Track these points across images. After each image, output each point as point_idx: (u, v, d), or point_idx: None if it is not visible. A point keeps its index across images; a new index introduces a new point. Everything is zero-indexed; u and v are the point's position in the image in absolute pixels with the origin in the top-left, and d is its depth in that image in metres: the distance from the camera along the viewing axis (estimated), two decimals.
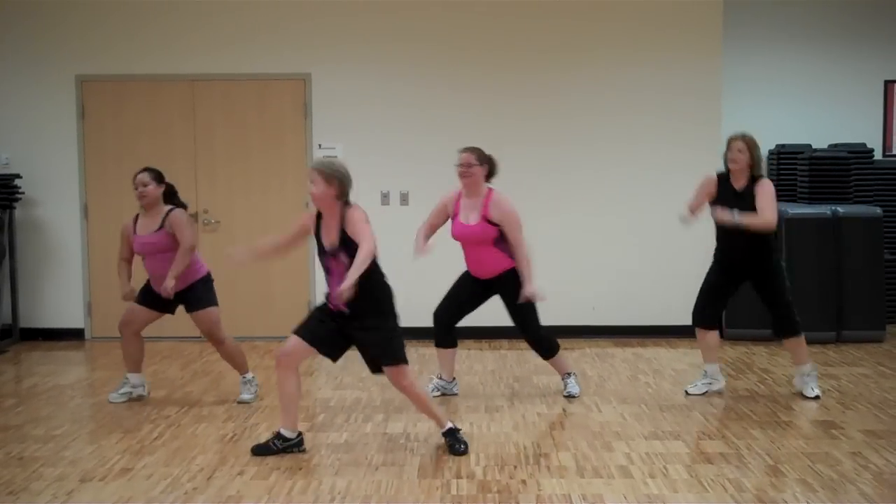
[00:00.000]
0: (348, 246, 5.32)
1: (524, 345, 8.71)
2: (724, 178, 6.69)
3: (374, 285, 5.42)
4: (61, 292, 9.20)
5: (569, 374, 7.05)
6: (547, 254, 9.06)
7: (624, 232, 9.06)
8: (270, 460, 5.45)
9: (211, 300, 6.78)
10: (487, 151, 6.65)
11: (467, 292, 6.82)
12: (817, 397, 6.77)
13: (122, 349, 6.91)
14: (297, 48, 9.01)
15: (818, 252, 8.75)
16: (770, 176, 9.93)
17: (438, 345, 6.92)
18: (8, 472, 5.29)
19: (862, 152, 9.56)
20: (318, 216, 5.49)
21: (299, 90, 9.05)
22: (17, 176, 8.98)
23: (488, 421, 6.29)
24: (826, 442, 5.75)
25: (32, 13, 8.99)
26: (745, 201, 6.52)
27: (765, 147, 9.88)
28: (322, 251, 5.47)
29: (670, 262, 8.85)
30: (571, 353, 8.39)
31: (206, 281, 6.83)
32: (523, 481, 5.10)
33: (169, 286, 6.50)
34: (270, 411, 6.48)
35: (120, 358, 7.16)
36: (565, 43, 9.00)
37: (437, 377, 7.00)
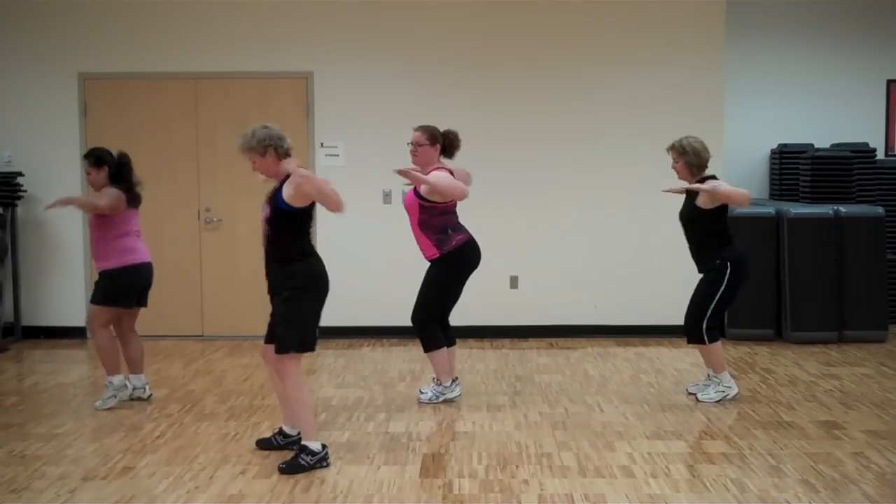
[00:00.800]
0: (274, 198, 5.24)
1: (526, 344, 8.77)
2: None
3: (299, 260, 5.29)
4: (63, 290, 9.19)
5: (438, 381, 6.78)
6: (549, 253, 9.09)
7: (626, 231, 9.05)
8: (272, 459, 5.46)
9: (109, 298, 6.54)
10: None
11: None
12: (698, 400, 6.74)
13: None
14: (300, 46, 9.00)
15: (820, 252, 8.74)
16: (772, 175, 9.96)
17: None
18: (10, 471, 5.29)
19: (864, 152, 9.54)
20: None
21: (301, 88, 9.05)
22: (20, 174, 8.97)
23: (490, 420, 6.28)
24: (828, 442, 5.75)
25: (35, 11, 8.99)
26: (688, 199, 6.69)
27: (767, 146, 9.97)
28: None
29: (672, 262, 8.81)
30: (573, 353, 8.40)
31: (125, 274, 6.57)
32: (525, 481, 5.10)
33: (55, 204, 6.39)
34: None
35: (121, 356, 7.08)
36: (568, 40, 8.99)
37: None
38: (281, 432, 5.68)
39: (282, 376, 5.35)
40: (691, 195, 6.64)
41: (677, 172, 6.70)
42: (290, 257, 5.30)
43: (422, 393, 6.78)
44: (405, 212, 6.70)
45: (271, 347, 5.38)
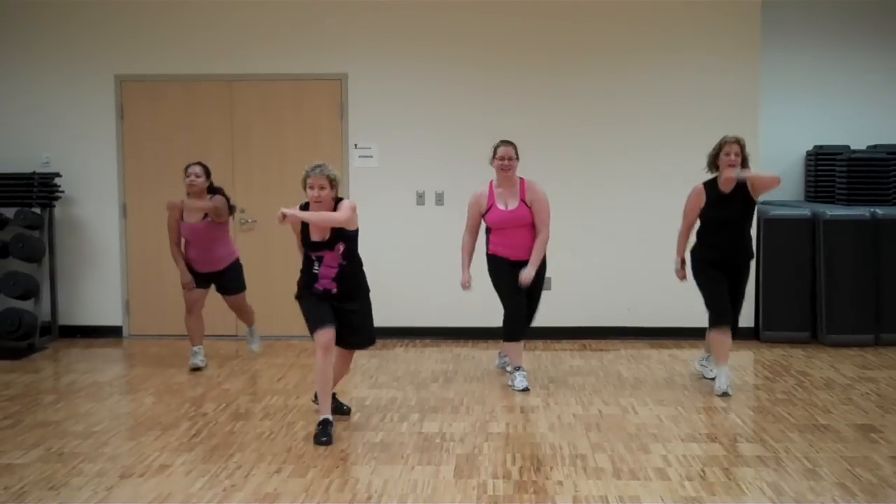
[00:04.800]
0: (343, 235, 5.95)
1: (559, 345, 8.75)
2: (710, 185, 6.95)
3: (359, 269, 6.14)
4: (100, 290, 9.28)
5: (520, 367, 7.31)
6: (582, 255, 9.06)
7: (660, 233, 8.96)
8: (307, 458, 5.49)
9: (243, 284, 8.04)
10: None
11: (515, 279, 7.14)
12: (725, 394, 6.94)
13: (191, 327, 7.92)
14: (334, 48, 9.04)
15: (856, 254, 8.67)
16: (808, 177, 9.88)
17: (520, 337, 7.24)
18: (49, 468, 5.35)
19: None
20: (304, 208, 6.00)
21: (335, 90, 9.08)
22: (57, 175, 9.07)
23: (524, 421, 6.28)
24: (865, 445, 5.70)
25: (72, 14, 9.08)
26: (734, 201, 6.85)
27: (802, 148, 9.89)
28: (312, 244, 6.00)
29: None
30: (606, 354, 8.38)
31: (240, 265, 8.01)
32: (560, 482, 5.09)
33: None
34: (307, 410, 6.52)
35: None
36: (602, 46, 8.96)
37: (517, 369, 7.24)
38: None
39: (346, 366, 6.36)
40: (733, 199, 6.84)
41: (730, 168, 6.77)
42: (355, 269, 6.20)
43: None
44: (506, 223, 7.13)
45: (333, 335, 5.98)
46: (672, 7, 8.93)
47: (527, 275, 7.03)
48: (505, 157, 7.04)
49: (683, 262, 7.23)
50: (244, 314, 8.22)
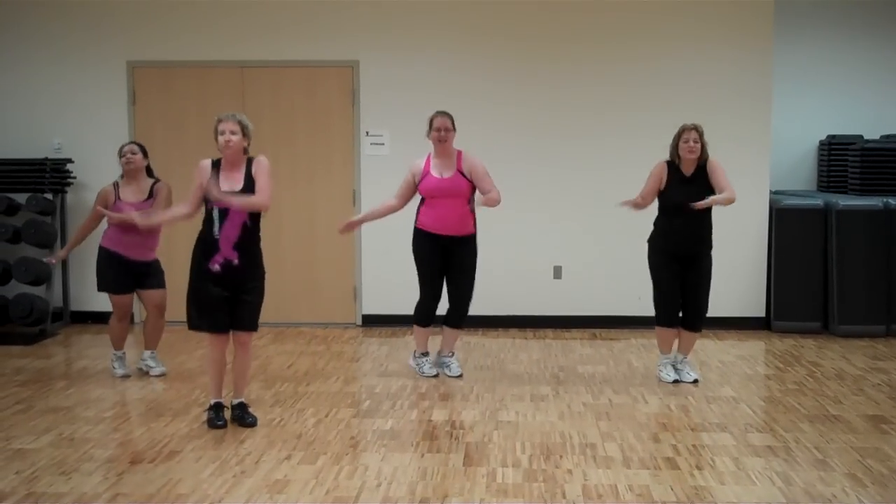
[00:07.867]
0: (252, 191, 5.81)
1: (569, 334, 8.74)
2: (673, 166, 6.92)
3: (258, 249, 5.89)
4: None
5: (453, 353, 7.38)
6: (593, 243, 9.05)
7: None
8: (317, 445, 5.50)
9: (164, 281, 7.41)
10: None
11: (437, 262, 7.08)
12: (696, 381, 7.00)
13: (119, 332, 7.31)
14: (346, 35, 9.02)
15: (869, 244, 8.63)
16: (820, 167, 9.85)
17: (428, 323, 7.26)
18: (60, 453, 5.38)
19: None
20: (215, 166, 5.89)
21: (347, 77, 9.07)
22: (69, 160, 9.09)
23: (534, 410, 6.28)
24: (876, 436, 5.69)
25: (84, 0, 9.08)
26: (694, 186, 6.78)
27: (815, 138, 9.85)
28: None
29: (716, 253, 8.74)
30: (616, 344, 8.37)
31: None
32: (569, 471, 5.09)
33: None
34: (317, 396, 6.54)
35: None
36: (615, 35, 8.92)
37: (422, 355, 7.32)
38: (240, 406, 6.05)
39: (245, 353, 5.97)
40: (694, 182, 6.82)
41: (690, 153, 6.75)
42: (256, 248, 5.92)
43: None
44: (441, 194, 6.95)
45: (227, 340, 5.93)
46: None
47: (490, 198, 6.81)
48: (441, 128, 6.95)
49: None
50: (160, 326, 7.35)
